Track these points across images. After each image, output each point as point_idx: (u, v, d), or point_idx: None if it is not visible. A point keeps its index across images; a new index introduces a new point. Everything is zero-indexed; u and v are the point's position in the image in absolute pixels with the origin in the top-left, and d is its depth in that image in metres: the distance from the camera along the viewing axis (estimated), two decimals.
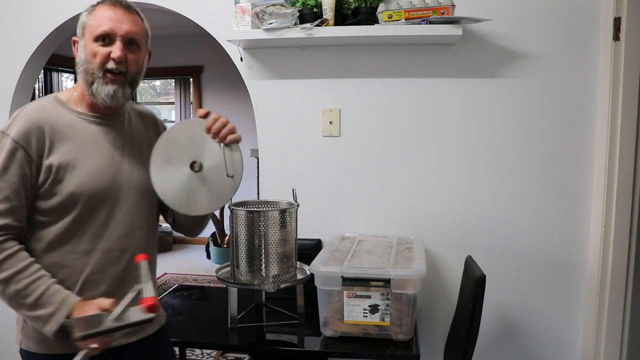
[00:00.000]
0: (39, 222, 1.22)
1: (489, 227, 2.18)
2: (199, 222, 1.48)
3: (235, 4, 2.07)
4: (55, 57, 3.69)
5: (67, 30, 2.48)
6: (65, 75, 5.39)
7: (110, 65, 1.23)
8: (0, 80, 2.46)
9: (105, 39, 1.24)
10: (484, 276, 1.69)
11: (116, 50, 1.23)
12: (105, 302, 1.14)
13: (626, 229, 2.01)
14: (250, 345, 1.78)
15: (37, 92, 4.81)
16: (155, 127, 1.45)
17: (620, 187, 2.00)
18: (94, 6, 1.28)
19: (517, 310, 2.20)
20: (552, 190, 2.14)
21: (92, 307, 1.14)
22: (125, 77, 1.27)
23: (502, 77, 2.12)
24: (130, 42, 1.26)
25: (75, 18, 2.35)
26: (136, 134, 1.38)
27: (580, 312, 2.16)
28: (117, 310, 1.11)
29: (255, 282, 1.75)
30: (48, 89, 4.91)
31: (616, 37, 1.96)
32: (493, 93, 2.13)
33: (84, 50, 1.25)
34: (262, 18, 2.00)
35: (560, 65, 2.08)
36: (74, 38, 1.30)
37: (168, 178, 1.32)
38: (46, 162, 1.20)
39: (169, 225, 1.54)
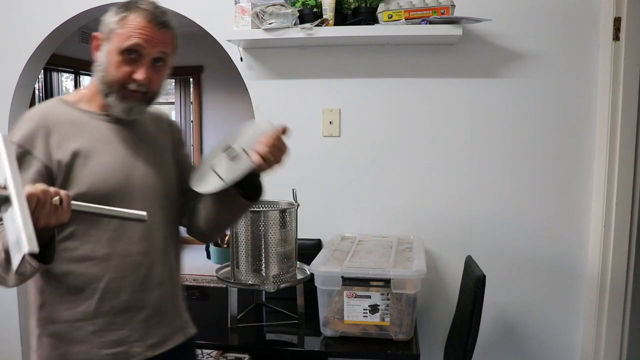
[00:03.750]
0: None
1: (489, 227, 2.18)
2: (215, 226, 1.36)
3: (235, 4, 2.07)
4: (55, 57, 3.69)
5: (67, 30, 2.48)
6: (65, 75, 5.39)
7: (132, 86, 1.17)
8: (0, 80, 2.46)
9: (133, 53, 1.15)
10: (484, 276, 1.69)
11: (141, 73, 1.16)
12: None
13: (626, 229, 2.01)
14: (250, 345, 1.78)
15: (37, 92, 4.80)
16: (170, 129, 1.39)
17: (620, 187, 2.00)
18: (126, 11, 1.17)
19: (517, 310, 2.20)
20: (552, 190, 2.14)
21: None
22: (145, 94, 1.20)
23: (502, 77, 2.12)
24: (158, 60, 1.19)
25: (76, 18, 2.37)
26: (150, 135, 1.30)
27: (580, 312, 2.16)
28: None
29: (255, 282, 1.75)
30: (48, 89, 4.91)
31: (616, 37, 1.96)
32: (493, 93, 2.13)
33: (106, 58, 1.17)
34: (262, 18, 2.00)
35: (560, 65, 2.08)
36: (96, 34, 1.20)
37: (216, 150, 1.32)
38: (55, 160, 1.13)
39: None
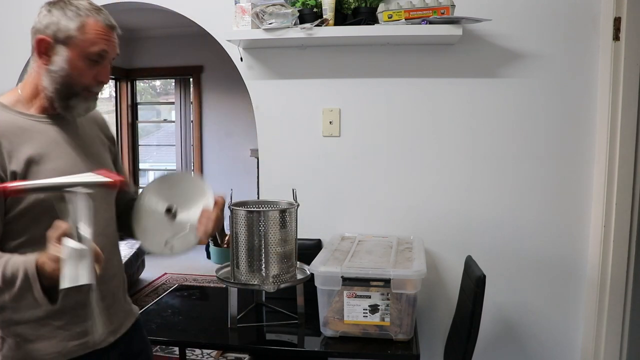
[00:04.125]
0: (11, 231, 1.14)
1: (489, 227, 2.18)
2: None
3: (235, 4, 2.07)
4: None
5: None
6: None
7: (96, 88, 1.24)
8: (0, 80, 2.46)
9: (99, 58, 1.20)
10: (484, 276, 1.69)
11: (106, 73, 1.23)
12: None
13: (626, 229, 2.01)
14: (250, 345, 1.78)
15: None
16: (102, 124, 1.43)
17: (620, 187, 2.00)
18: (81, 17, 1.18)
19: (517, 310, 2.20)
20: (552, 190, 2.14)
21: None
22: (98, 93, 1.27)
23: (502, 77, 2.12)
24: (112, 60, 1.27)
25: None
26: (88, 133, 1.34)
27: (580, 312, 2.16)
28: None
29: (255, 282, 1.75)
30: None
31: (616, 37, 1.96)
32: (493, 93, 2.13)
33: (67, 63, 1.18)
34: (262, 18, 2.00)
35: (561, 65, 2.08)
36: (43, 37, 1.18)
37: (151, 201, 1.42)
38: (9, 171, 1.12)
39: None
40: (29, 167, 1.14)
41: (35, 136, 1.19)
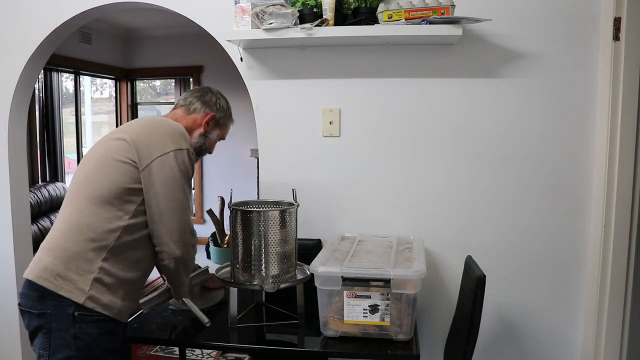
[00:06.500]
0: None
1: (489, 227, 2.18)
2: None
3: (235, 4, 2.07)
4: (55, 57, 3.69)
5: (67, 30, 2.48)
6: (65, 75, 5.38)
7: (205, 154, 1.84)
8: (0, 80, 2.46)
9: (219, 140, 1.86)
10: (484, 276, 1.69)
11: (214, 149, 1.84)
12: None
13: (626, 229, 2.01)
14: (250, 345, 1.78)
15: (37, 92, 4.80)
16: None
17: (620, 187, 2.00)
18: (232, 118, 1.85)
19: (517, 310, 2.20)
20: (552, 190, 2.14)
21: None
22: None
23: (502, 77, 2.12)
24: None
25: (76, 18, 2.37)
26: None
27: (580, 312, 2.16)
28: None
29: (255, 282, 1.75)
30: (48, 89, 4.90)
31: (616, 37, 1.96)
32: (493, 93, 2.13)
33: (215, 137, 1.81)
34: (262, 18, 2.00)
35: (560, 65, 2.08)
36: (214, 114, 1.77)
37: None
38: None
39: None
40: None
41: None
